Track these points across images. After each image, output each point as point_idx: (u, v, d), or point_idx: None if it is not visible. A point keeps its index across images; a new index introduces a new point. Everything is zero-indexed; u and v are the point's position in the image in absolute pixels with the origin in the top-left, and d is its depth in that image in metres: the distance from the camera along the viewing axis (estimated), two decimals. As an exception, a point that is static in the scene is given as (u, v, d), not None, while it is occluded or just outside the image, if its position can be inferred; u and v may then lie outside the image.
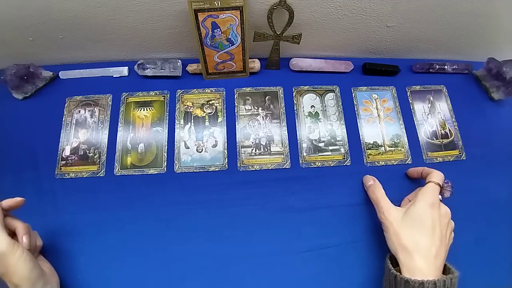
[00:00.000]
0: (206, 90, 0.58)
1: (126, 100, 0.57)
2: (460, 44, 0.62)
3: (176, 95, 0.57)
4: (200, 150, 0.54)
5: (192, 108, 0.57)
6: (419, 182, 0.52)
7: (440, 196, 0.44)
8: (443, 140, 0.57)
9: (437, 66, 0.61)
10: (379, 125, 0.57)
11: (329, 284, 0.46)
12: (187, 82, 0.58)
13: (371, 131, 0.56)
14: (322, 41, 0.59)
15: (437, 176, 0.45)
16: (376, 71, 0.60)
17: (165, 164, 0.53)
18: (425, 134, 0.57)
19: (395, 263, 0.41)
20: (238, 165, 0.53)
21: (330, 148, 0.55)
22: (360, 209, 0.50)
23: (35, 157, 0.53)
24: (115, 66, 0.59)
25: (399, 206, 0.47)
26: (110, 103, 0.57)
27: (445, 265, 0.41)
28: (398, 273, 0.39)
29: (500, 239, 0.50)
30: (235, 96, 0.58)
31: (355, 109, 0.58)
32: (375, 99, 0.59)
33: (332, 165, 0.53)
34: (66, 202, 0.50)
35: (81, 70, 0.59)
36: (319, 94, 0.59)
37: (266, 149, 0.54)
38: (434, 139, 0.57)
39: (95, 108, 0.56)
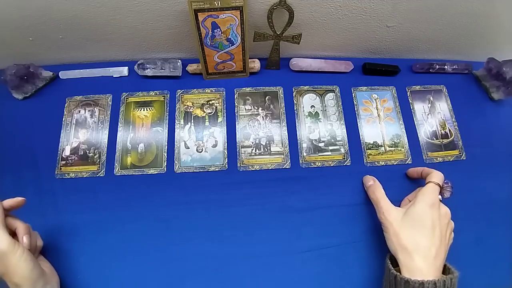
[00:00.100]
0: (206, 90, 0.58)
1: (126, 100, 0.57)
2: (460, 44, 0.62)
3: (176, 95, 0.57)
4: (200, 150, 0.54)
5: (192, 108, 0.57)
6: (419, 182, 0.52)
7: (440, 196, 0.44)
8: (443, 140, 0.57)
9: (437, 66, 0.61)
10: (379, 125, 0.57)
11: (329, 284, 0.46)
12: (187, 82, 0.58)
13: (371, 131, 0.56)
14: (322, 41, 0.59)
15: (437, 176, 0.45)
16: (376, 71, 0.60)
17: (165, 164, 0.53)
18: (425, 134, 0.57)
19: (395, 263, 0.41)
20: (238, 165, 0.53)
21: (330, 148, 0.55)
22: (360, 209, 0.50)
23: (35, 157, 0.53)
24: (115, 66, 0.59)
25: (399, 206, 0.47)
26: (110, 103, 0.57)
27: (445, 265, 0.41)
28: (398, 273, 0.39)
29: (500, 239, 0.50)
30: (235, 96, 0.58)
31: (355, 109, 0.58)
32: (375, 99, 0.59)
33: (332, 165, 0.53)
34: (66, 202, 0.50)
35: (81, 70, 0.59)
36: (319, 94, 0.59)
37: (266, 149, 0.54)
38: (434, 139, 0.57)
39: (95, 108, 0.56)
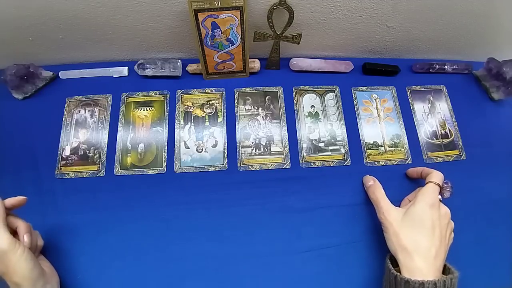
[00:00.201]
0: (206, 90, 0.58)
1: (126, 100, 0.57)
2: (460, 44, 0.62)
3: (176, 95, 0.57)
4: (200, 150, 0.54)
5: (192, 108, 0.57)
6: (419, 182, 0.52)
7: (440, 197, 0.44)
8: (443, 140, 0.57)
9: (437, 66, 0.61)
10: (379, 125, 0.57)
11: (329, 284, 0.46)
12: (187, 82, 0.58)
13: (371, 131, 0.56)
14: (322, 41, 0.59)
15: (436, 176, 0.45)
16: (376, 71, 0.60)
17: (165, 164, 0.53)
18: (425, 134, 0.57)
19: (395, 263, 0.41)
20: (238, 165, 0.53)
21: (330, 148, 0.55)
22: (360, 209, 0.50)
23: (35, 157, 0.53)
24: (115, 66, 0.59)
25: (399, 206, 0.47)
26: (110, 103, 0.57)
27: (445, 265, 0.41)
28: (398, 274, 0.39)
29: (500, 239, 0.50)
30: (235, 96, 0.58)
31: (355, 109, 0.58)
32: (375, 99, 0.59)
33: (332, 165, 0.53)
34: (66, 202, 0.50)
35: (81, 70, 0.59)
36: (319, 94, 0.59)
37: (266, 149, 0.54)
38: (434, 139, 0.57)
39: (95, 108, 0.56)
